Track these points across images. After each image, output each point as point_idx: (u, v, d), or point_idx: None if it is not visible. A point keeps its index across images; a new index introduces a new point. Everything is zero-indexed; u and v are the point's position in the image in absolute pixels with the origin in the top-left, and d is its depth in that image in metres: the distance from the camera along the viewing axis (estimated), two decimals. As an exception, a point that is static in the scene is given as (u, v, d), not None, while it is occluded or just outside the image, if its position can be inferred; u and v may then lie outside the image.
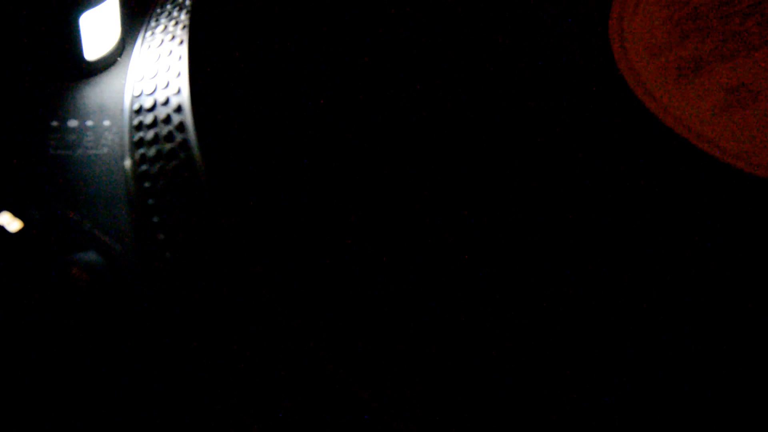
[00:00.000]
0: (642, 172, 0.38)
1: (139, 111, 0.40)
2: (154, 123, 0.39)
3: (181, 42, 0.41)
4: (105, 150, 0.40)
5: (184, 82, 0.39)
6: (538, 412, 0.31)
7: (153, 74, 0.40)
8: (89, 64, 0.43)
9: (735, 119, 0.39)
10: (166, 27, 0.42)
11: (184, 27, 0.41)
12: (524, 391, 0.31)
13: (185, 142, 0.37)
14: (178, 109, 0.38)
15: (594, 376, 0.32)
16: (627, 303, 0.33)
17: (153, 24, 0.43)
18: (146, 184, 0.37)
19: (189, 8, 0.43)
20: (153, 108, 0.39)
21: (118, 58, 0.44)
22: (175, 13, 0.43)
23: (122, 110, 0.41)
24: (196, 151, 0.37)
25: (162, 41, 0.42)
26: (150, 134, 0.38)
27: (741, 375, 0.32)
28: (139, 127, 0.39)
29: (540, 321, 0.33)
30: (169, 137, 0.38)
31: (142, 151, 0.38)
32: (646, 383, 0.31)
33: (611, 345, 0.32)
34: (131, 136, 0.39)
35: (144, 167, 0.38)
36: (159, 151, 0.38)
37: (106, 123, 0.41)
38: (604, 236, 0.35)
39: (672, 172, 0.38)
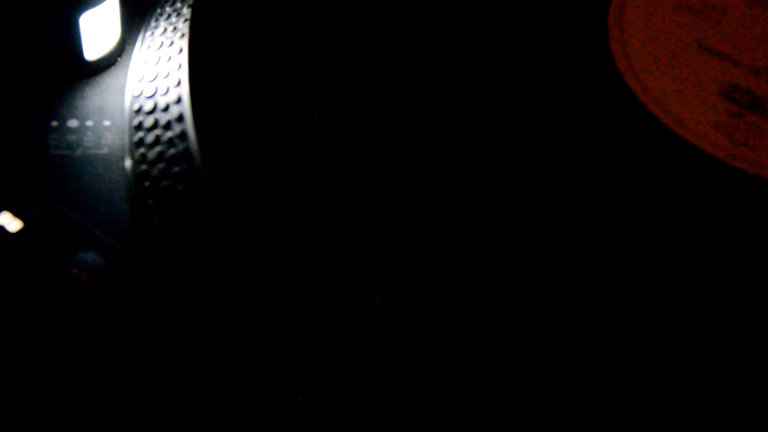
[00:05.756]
0: (641, 171, 0.38)
1: (139, 111, 0.40)
2: (155, 124, 0.39)
3: (181, 44, 0.41)
4: (105, 150, 0.40)
5: (184, 84, 0.39)
6: (537, 413, 0.31)
7: (153, 75, 0.40)
8: (89, 64, 0.43)
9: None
10: (166, 29, 0.42)
11: (185, 28, 0.41)
12: (523, 392, 0.31)
13: (185, 143, 0.37)
14: (179, 114, 0.38)
15: (593, 378, 0.32)
16: (626, 303, 0.34)
17: (153, 24, 0.43)
18: (146, 185, 0.37)
19: (189, 9, 0.43)
20: (153, 110, 0.39)
21: (118, 59, 0.44)
22: (175, 15, 0.43)
23: (122, 110, 0.41)
24: (196, 151, 0.37)
25: (162, 43, 0.42)
26: (150, 135, 0.38)
27: (741, 375, 0.32)
28: (139, 127, 0.39)
29: (539, 322, 0.33)
30: (169, 138, 0.38)
31: (142, 151, 0.38)
32: (646, 384, 0.31)
33: (610, 347, 0.32)
34: (131, 137, 0.39)
35: (144, 167, 0.38)
36: (160, 153, 0.38)
37: (106, 123, 0.41)
38: (603, 236, 0.35)
39: (671, 171, 0.38)
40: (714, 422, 0.31)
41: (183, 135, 0.37)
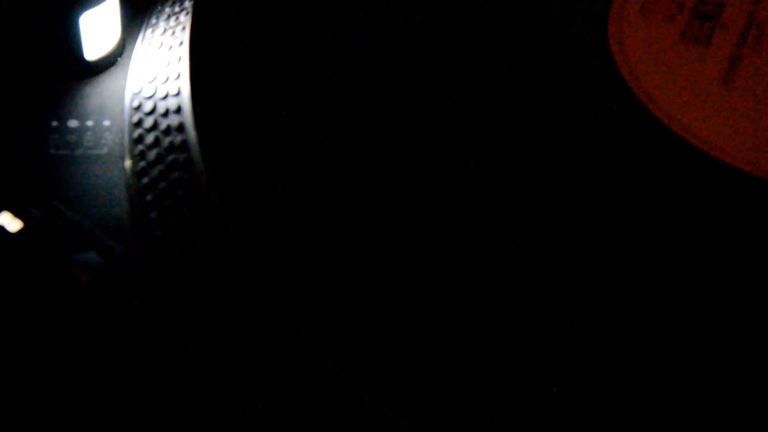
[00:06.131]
0: (641, 171, 0.38)
1: (139, 111, 0.40)
2: (155, 125, 0.39)
3: (181, 43, 0.41)
4: (105, 150, 0.40)
5: (184, 84, 0.39)
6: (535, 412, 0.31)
7: (153, 75, 0.40)
8: (89, 64, 0.43)
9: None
10: (166, 29, 0.42)
11: (184, 28, 0.41)
12: (523, 392, 0.31)
13: (185, 144, 0.37)
14: (178, 111, 0.38)
15: (593, 378, 0.32)
16: (626, 303, 0.34)
17: (153, 24, 0.43)
18: (146, 184, 0.37)
19: (191, 2, 0.43)
20: (153, 110, 0.39)
21: (118, 58, 0.44)
22: (175, 14, 0.43)
23: (122, 110, 0.41)
24: (196, 152, 0.37)
25: (162, 42, 0.42)
26: (150, 136, 0.38)
27: (741, 375, 0.32)
28: (139, 127, 0.39)
29: (539, 322, 0.33)
30: (169, 139, 0.38)
31: (141, 151, 0.38)
32: (646, 384, 0.31)
33: (610, 347, 0.32)
34: (131, 137, 0.39)
35: (144, 168, 0.38)
36: (159, 154, 0.38)
37: (106, 123, 0.41)
38: (603, 236, 0.35)
39: (671, 171, 0.38)
40: (714, 422, 0.31)
41: (181, 127, 0.37)
